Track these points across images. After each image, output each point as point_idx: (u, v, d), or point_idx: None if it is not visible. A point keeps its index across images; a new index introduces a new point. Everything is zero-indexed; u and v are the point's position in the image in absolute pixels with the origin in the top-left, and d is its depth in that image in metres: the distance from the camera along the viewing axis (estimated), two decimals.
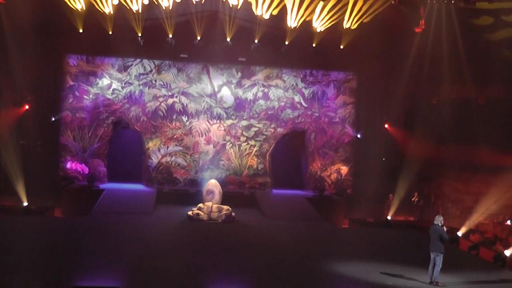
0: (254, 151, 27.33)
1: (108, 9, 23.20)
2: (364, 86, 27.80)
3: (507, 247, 17.53)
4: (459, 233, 20.32)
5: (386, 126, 27.26)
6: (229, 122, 27.07)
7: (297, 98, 27.56)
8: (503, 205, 21.56)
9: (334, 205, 25.26)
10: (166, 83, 26.68)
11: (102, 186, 24.78)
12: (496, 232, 20.67)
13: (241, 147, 27.16)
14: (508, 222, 21.66)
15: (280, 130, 27.54)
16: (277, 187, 27.08)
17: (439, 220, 13.77)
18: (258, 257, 15.54)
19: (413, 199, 25.47)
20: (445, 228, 13.85)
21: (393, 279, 13.82)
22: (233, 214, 20.97)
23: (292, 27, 24.14)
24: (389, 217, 24.12)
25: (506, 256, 16.96)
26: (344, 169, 27.80)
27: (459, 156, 24.49)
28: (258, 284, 13.01)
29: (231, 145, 27.12)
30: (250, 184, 26.86)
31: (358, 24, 23.94)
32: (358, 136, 27.80)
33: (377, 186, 25.48)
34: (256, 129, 27.29)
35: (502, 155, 22.94)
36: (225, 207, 20.96)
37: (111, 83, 26.34)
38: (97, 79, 26.20)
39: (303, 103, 27.66)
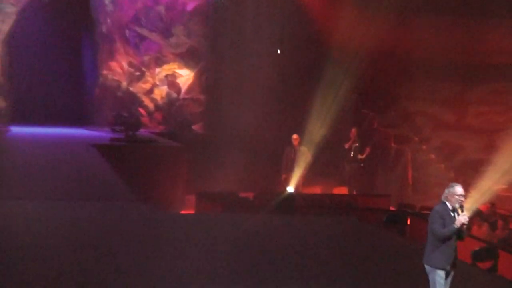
0: None
1: None
2: None
3: None
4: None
5: None
6: None
7: None
8: None
9: (163, 161, 25.00)
10: None
11: None
12: None
13: None
14: None
15: None
16: (20, 121, 27.85)
17: (452, 192, 11.87)
18: None
19: (347, 145, 26.24)
20: (465, 216, 11.92)
21: None
22: None
23: None
24: (291, 188, 24.90)
25: None
26: (187, 76, 28.32)
27: (450, 45, 26.00)
28: None
29: None
30: None
31: None
32: None
33: (263, 115, 26.37)
34: None
35: None
36: None
37: None
38: None
39: None
